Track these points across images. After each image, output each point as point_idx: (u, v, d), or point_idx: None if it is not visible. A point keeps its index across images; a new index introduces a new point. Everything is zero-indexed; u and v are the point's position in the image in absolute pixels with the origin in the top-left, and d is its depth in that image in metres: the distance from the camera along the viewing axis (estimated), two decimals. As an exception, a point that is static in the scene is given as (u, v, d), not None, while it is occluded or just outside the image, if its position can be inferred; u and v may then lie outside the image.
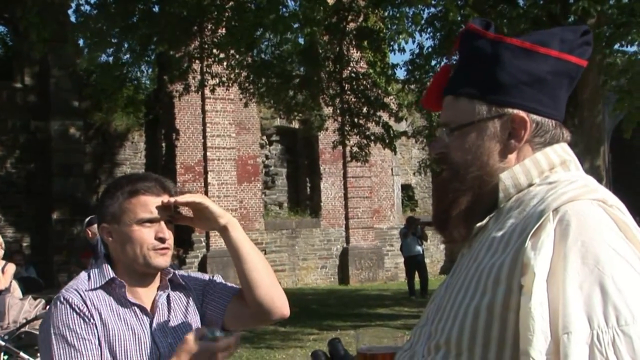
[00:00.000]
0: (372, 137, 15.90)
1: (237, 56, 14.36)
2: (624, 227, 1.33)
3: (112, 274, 2.11)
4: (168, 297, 2.21)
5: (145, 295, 2.18)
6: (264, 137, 22.89)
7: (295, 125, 22.74)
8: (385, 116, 16.04)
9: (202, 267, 20.42)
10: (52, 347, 2.00)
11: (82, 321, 2.01)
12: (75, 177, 19.49)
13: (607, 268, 1.25)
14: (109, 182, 17.33)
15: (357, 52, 16.02)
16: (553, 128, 1.50)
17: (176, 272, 2.27)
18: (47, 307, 6.05)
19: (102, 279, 2.11)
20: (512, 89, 1.48)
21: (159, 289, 2.21)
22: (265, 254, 21.31)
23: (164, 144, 21.42)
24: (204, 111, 20.96)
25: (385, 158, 24.13)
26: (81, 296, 2.06)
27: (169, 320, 2.18)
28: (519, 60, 1.48)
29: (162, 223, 2.12)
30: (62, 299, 2.06)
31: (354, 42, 15.31)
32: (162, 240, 2.11)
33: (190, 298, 2.27)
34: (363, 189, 23.80)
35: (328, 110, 16.77)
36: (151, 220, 2.10)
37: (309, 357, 1.82)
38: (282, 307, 2.26)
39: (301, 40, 14.83)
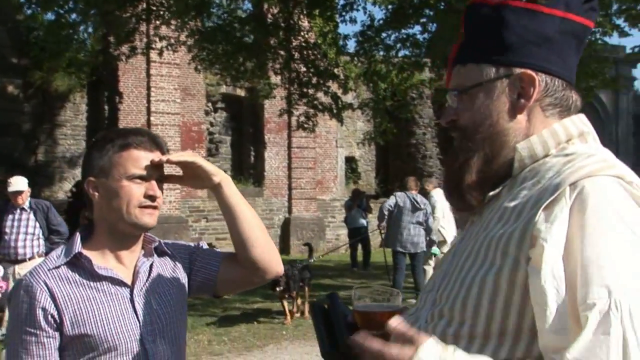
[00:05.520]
0: (320, 107, 15.82)
1: (187, 20, 14.06)
2: None
3: (78, 249, 2.02)
4: (152, 264, 2.14)
5: (127, 259, 2.10)
6: (209, 104, 22.57)
7: (241, 93, 22.53)
8: (334, 87, 15.97)
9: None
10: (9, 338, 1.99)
11: (35, 314, 1.93)
12: (12, 137, 18.92)
13: (619, 243, 1.22)
14: (48, 143, 16.90)
15: (307, 22, 15.87)
16: (563, 88, 1.49)
17: (161, 240, 2.20)
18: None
19: (69, 254, 2.02)
20: (520, 49, 1.47)
21: (142, 256, 2.13)
22: (207, 221, 21.17)
23: (106, 107, 20.94)
24: (148, 75, 20.52)
25: (330, 130, 24.11)
26: (44, 279, 1.97)
27: (153, 287, 2.11)
28: (525, 21, 1.47)
29: (153, 181, 2.04)
30: (23, 285, 1.98)
31: (305, 11, 15.15)
32: (152, 198, 2.03)
33: (177, 265, 2.21)
34: (307, 160, 23.75)
35: (276, 79, 16.61)
36: (142, 177, 2.01)
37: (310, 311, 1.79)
38: (277, 265, 2.22)
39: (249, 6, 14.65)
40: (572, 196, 1.28)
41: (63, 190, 20.44)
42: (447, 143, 25.29)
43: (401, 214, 11.26)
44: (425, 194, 11.74)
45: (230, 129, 23.55)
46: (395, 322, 1.31)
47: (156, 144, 2.07)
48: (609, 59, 15.33)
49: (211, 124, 22.75)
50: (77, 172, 20.84)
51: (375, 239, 23.87)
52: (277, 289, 9.75)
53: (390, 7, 13.95)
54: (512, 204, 1.39)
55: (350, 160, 26.25)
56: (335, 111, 15.88)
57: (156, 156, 2.05)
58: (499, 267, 1.33)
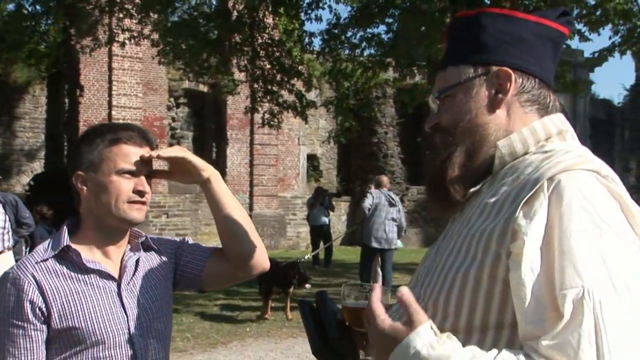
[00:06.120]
0: (285, 105, 15.81)
1: (151, 14, 13.95)
2: (617, 198, 1.36)
3: (66, 242, 2.00)
4: (138, 259, 2.13)
5: (114, 254, 2.09)
6: (172, 99, 22.43)
7: (204, 88, 22.41)
8: (298, 84, 15.98)
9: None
10: None
11: (23, 307, 1.91)
12: (-31, 129, 18.60)
13: (592, 235, 1.27)
14: (6, 135, 16.60)
15: (272, 19, 15.84)
16: (540, 87, 1.55)
17: (147, 235, 2.20)
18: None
19: (57, 247, 2.00)
20: (496, 49, 1.54)
21: (129, 250, 2.13)
22: (167, 217, 21.02)
23: (66, 100, 20.67)
24: (110, 69, 20.33)
25: (293, 127, 24.12)
26: (31, 272, 1.95)
27: (139, 282, 2.10)
28: (500, 24, 1.54)
29: (142, 176, 2.04)
30: (10, 278, 1.95)
31: (270, 8, 15.13)
32: (140, 193, 2.03)
33: (163, 260, 2.21)
34: (269, 157, 23.75)
35: (240, 75, 16.55)
36: (131, 172, 2.01)
37: (298, 309, 1.80)
38: (263, 260, 2.23)
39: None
40: (549, 189, 1.32)
41: (21, 183, 20.13)
42: (408, 143, 25.49)
43: (378, 210, 11.39)
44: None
45: (192, 125, 23.43)
46: (405, 290, 1.37)
47: (146, 139, 2.07)
48: (570, 63, 15.62)
49: (173, 119, 22.62)
50: (36, 166, 20.53)
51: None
52: (294, 281, 9.96)
53: (355, 5, 14.00)
54: (493, 199, 1.43)
55: (312, 158, 26.30)
56: (299, 109, 15.88)
57: (146, 152, 2.04)
58: (480, 261, 1.37)
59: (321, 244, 17.61)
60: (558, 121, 1.54)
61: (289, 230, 24.16)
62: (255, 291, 11.08)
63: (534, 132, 1.51)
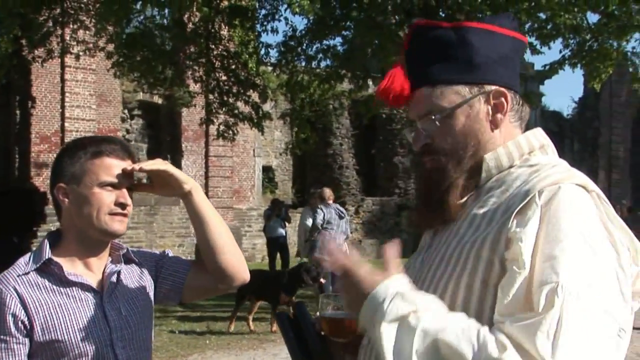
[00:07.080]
0: (241, 116, 15.80)
1: (105, 26, 13.81)
2: (602, 211, 1.44)
3: (48, 255, 2.01)
4: (119, 271, 2.14)
5: (96, 266, 2.10)
6: (126, 111, 22.21)
7: (159, 100, 22.25)
8: (255, 96, 16.00)
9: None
10: None
11: (5, 320, 1.91)
12: None
13: (573, 242, 1.33)
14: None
15: (227, 31, 15.82)
16: (521, 102, 1.62)
17: (128, 248, 2.21)
18: None
19: (38, 260, 2.01)
20: (486, 68, 1.57)
21: (110, 262, 2.14)
22: (122, 230, 20.75)
23: (18, 112, 20.31)
24: (63, 80, 20.03)
25: (248, 139, 24.08)
26: (13, 285, 1.95)
27: (121, 293, 2.11)
28: (487, 41, 1.58)
29: (124, 189, 2.06)
30: None
31: (225, 20, 15.12)
32: (122, 205, 2.05)
33: (144, 272, 2.22)
34: (224, 169, 23.66)
35: (195, 87, 16.50)
36: (113, 185, 2.03)
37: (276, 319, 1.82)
38: (244, 272, 2.24)
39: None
40: (540, 201, 1.39)
41: (-30, 197, 19.69)
42: (363, 154, 25.62)
43: (330, 224, 11.55)
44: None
45: (146, 137, 23.23)
46: (390, 248, 1.50)
47: (128, 152, 2.09)
48: (522, 75, 15.88)
49: (127, 131, 22.38)
50: (-14, 179, 20.12)
51: (293, 248, 23.97)
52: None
53: (311, 17, 14.08)
54: (482, 211, 1.49)
55: (267, 170, 26.26)
56: (255, 120, 15.89)
57: (128, 164, 2.06)
58: (472, 269, 1.42)
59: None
60: (540, 135, 1.61)
61: (245, 242, 24.03)
62: (214, 303, 11.00)
63: (518, 146, 1.57)
